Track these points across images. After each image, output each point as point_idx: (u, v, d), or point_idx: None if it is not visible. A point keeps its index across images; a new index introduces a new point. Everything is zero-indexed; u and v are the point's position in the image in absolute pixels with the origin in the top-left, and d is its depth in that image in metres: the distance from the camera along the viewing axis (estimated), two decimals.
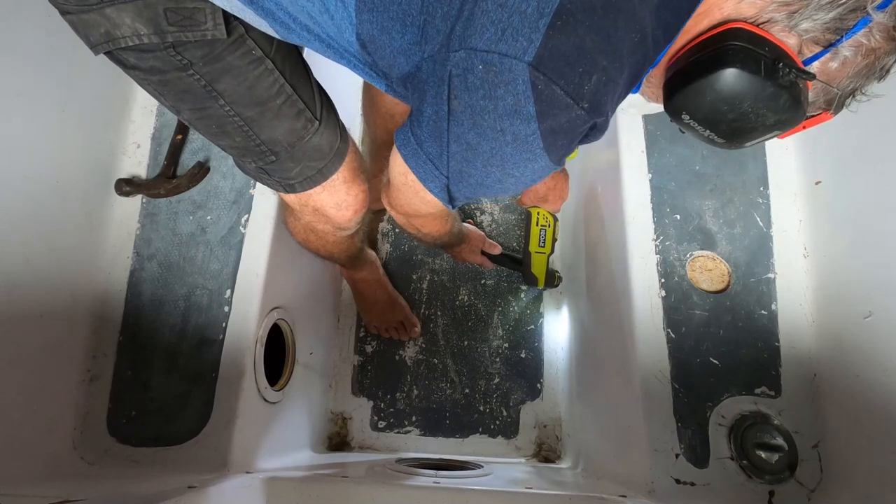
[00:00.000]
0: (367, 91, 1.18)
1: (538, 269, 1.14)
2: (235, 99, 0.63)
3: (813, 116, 0.54)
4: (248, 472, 0.80)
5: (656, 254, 0.88)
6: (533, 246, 1.12)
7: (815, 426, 0.78)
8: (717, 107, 0.49)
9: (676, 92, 0.51)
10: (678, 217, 0.90)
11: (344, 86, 1.12)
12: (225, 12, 0.57)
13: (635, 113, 0.95)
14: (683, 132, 0.55)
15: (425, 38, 0.50)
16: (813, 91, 0.51)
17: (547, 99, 0.47)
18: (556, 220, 1.12)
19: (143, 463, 0.81)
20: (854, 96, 0.52)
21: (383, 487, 0.80)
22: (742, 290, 0.86)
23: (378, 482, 0.83)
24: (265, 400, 0.90)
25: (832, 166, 0.85)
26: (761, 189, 0.91)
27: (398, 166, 0.64)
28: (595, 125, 0.52)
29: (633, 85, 0.53)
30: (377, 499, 0.77)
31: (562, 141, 0.51)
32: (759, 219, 0.89)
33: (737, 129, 0.51)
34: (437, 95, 0.51)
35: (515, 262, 1.26)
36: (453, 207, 0.65)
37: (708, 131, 0.52)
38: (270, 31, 0.60)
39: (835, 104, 0.52)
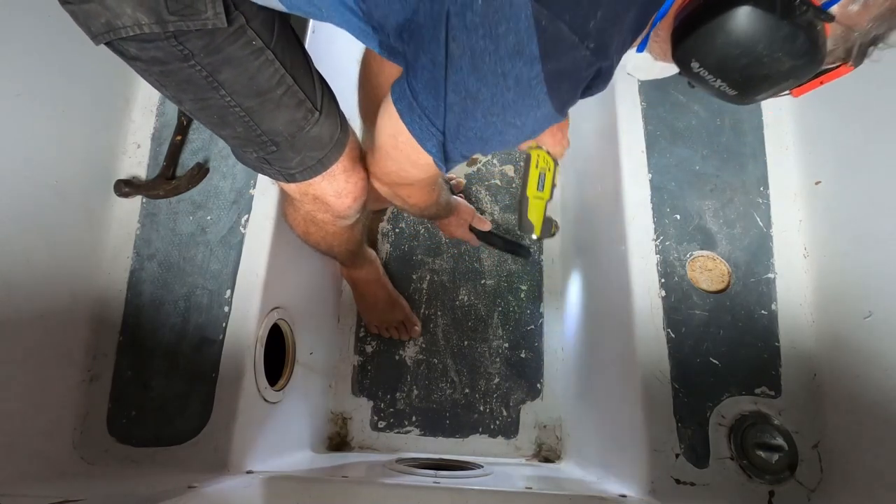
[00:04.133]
0: (363, 87, 1.17)
1: (535, 215, 1.02)
2: (236, 90, 0.64)
3: (830, 70, 0.50)
4: (248, 472, 0.80)
5: (656, 254, 0.88)
6: (531, 190, 1.01)
7: (815, 426, 0.78)
8: (728, 51, 0.46)
9: (686, 37, 0.48)
10: (678, 217, 0.90)
11: (341, 83, 1.13)
12: (225, 1, 0.58)
13: (633, 81, 0.95)
14: (693, 86, 0.52)
15: None
16: (831, 38, 0.47)
17: (551, 36, 0.45)
18: (556, 164, 1.02)
19: (143, 463, 0.81)
20: (875, 45, 0.48)
21: (383, 487, 0.80)
22: (742, 290, 0.86)
23: (378, 482, 0.83)
24: (265, 400, 0.90)
25: (832, 166, 0.85)
26: (761, 189, 0.91)
27: (388, 127, 0.62)
28: (600, 70, 0.50)
29: (639, 31, 0.51)
30: (377, 499, 0.77)
31: (566, 85, 0.49)
32: (759, 219, 0.89)
33: (750, 76, 0.48)
34: (434, 39, 0.49)
35: (505, 243, 1.24)
36: (447, 168, 0.62)
37: (719, 81, 0.49)
38: (275, 3, 0.60)
39: (854, 53, 0.48)
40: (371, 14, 0.56)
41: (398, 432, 1.28)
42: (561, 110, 0.52)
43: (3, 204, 0.75)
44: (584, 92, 0.54)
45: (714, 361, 0.82)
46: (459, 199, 1.21)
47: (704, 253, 0.88)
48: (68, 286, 0.84)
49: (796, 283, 0.86)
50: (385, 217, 1.43)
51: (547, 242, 1.41)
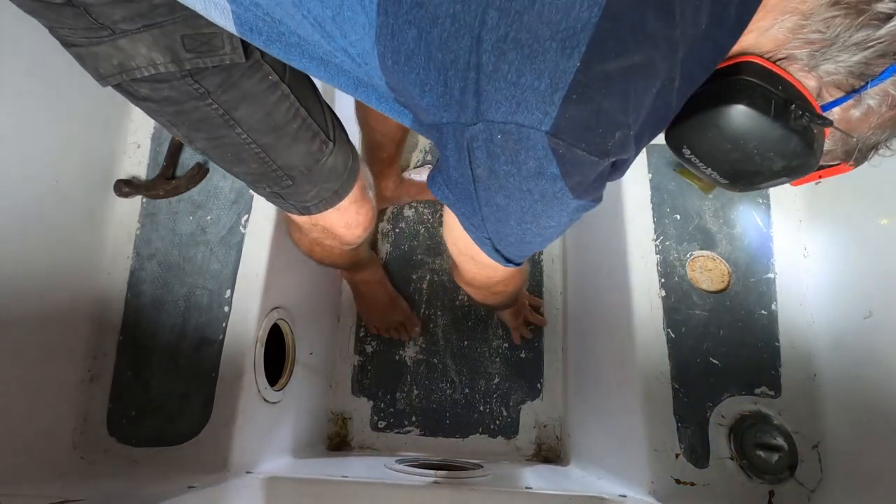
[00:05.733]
0: None
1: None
2: (253, 126, 0.62)
3: (830, 167, 0.51)
4: (248, 472, 0.80)
5: (656, 254, 0.88)
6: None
7: (815, 426, 0.78)
8: (719, 144, 0.47)
9: (679, 123, 0.48)
10: (678, 217, 0.90)
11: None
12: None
13: None
14: (685, 168, 0.53)
15: (444, 104, 0.48)
16: (831, 139, 0.48)
17: (570, 160, 0.45)
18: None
19: (143, 463, 0.81)
20: (877, 150, 0.49)
21: (383, 487, 0.80)
22: (742, 290, 0.86)
23: (378, 482, 0.83)
24: (265, 400, 0.90)
25: None
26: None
27: (450, 237, 0.63)
28: (621, 162, 0.50)
29: (658, 131, 0.51)
30: (377, 499, 0.77)
31: (593, 186, 0.50)
32: (758, 219, 0.89)
33: (741, 170, 0.49)
34: (460, 161, 0.50)
35: None
36: (512, 265, 0.61)
37: (710, 169, 0.50)
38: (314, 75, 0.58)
39: (854, 155, 0.49)
40: (406, 104, 0.55)
41: (398, 432, 1.28)
42: (597, 199, 0.52)
43: (3, 204, 0.75)
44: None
45: (714, 361, 0.82)
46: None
47: (704, 253, 0.88)
48: (68, 286, 0.84)
49: (796, 283, 0.86)
50: (385, 217, 1.43)
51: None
